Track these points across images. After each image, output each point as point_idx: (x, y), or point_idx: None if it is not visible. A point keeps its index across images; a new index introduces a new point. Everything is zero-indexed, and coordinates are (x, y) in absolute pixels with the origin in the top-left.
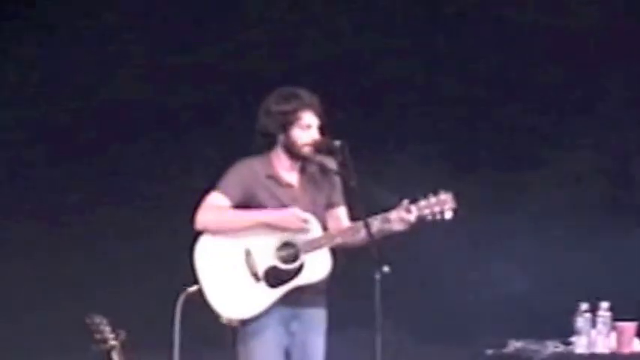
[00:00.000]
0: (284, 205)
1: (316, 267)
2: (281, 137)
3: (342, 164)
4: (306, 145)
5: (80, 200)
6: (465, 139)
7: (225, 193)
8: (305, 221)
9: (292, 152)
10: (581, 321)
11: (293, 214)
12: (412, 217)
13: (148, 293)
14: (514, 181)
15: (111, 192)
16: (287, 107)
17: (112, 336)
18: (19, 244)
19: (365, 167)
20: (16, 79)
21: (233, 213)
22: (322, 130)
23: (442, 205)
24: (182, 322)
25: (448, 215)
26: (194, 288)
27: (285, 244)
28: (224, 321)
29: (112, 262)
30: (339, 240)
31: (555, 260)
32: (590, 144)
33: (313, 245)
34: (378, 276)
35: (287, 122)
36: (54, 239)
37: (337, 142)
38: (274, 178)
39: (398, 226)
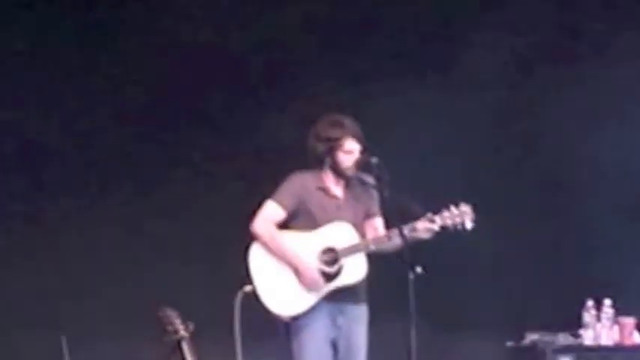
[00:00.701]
0: (330, 214)
1: (353, 270)
2: (328, 159)
3: (377, 178)
4: (348, 168)
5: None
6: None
7: (280, 203)
8: (316, 283)
9: (337, 172)
10: (588, 316)
11: (311, 273)
12: (436, 226)
13: (209, 288)
14: None
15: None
16: (333, 134)
17: (182, 327)
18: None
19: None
20: None
21: (277, 245)
22: (362, 148)
23: (463, 216)
24: (241, 317)
25: (469, 225)
26: (249, 288)
27: (328, 250)
28: (277, 316)
29: (183, 258)
30: (373, 247)
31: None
32: None
33: (351, 251)
34: (411, 276)
35: (332, 147)
36: (134, 241)
37: (374, 160)
38: (323, 190)
39: (424, 235)
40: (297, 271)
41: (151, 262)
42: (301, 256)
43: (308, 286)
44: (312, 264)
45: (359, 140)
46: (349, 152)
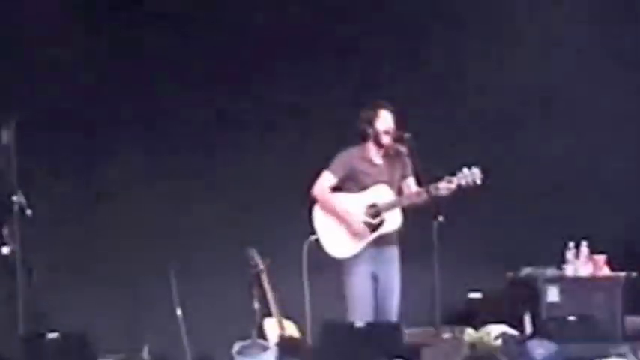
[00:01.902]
0: (373, 178)
1: (392, 221)
2: (370, 130)
3: (410, 149)
4: (386, 132)
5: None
6: None
7: (333, 172)
8: (361, 232)
9: (377, 141)
10: (569, 254)
11: (357, 224)
12: (453, 185)
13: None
14: None
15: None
16: (370, 109)
17: (261, 262)
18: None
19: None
20: None
21: (331, 205)
22: (397, 127)
23: (473, 176)
24: (307, 259)
25: (478, 182)
26: (314, 237)
27: (371, 206)
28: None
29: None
30: (406, 202)
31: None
32: None
33: (389, 206)
34: (435, 224)
35: (371, 119)
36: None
37: (407, 135)
38: (367, 161)
39: (444, 192)
40: (347, 224)
41: (247, 218)
42: (350, 212)
43: (355, 234)
44: (359, 217)
45: (391, 112)
46: (384, 121)
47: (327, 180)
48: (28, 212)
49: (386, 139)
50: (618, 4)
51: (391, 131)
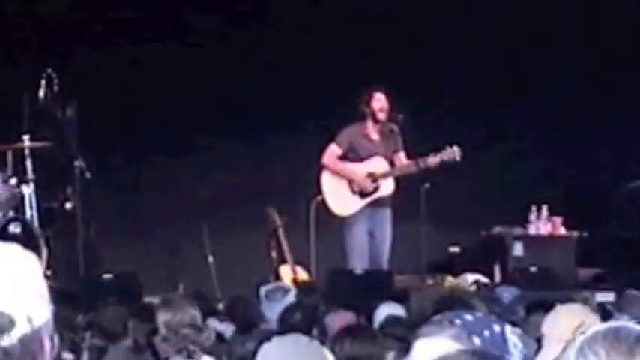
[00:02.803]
0: (370, 151)
1: (385, 187)
2: (367, 110)
3: (401, 128)
4: (380, 109)
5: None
6: None
7: (338, 144)
8: (365, 185)
9: (373, 118)
10: (532, 216)
11: (360, 178)
12: (438, 160)
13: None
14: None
15: None
16: (367, 91)
17: (278, 219)
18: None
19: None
20: None
21: (338, 167)
22: (391, 109)
23: (454, 153)
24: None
25: (458, 158)
26: (320, 197)
27: (370, 174)
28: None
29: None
30: (398, 172)
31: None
32: None
33: (384, 175)
34: (422, 190)
35: (368, 99)
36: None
37: (400, 116)
38: (365, 136)
39: (432, 165)
40: (351, 181)
41: (267, 183)
42: (354, 170)
43: (360, 188)
44: (362, 174)
45: (384, 94)
46: (378, 100)
47: (333, 150)
48: (87, 175)
49: (381, 115)
50: None
51: (385, 109)
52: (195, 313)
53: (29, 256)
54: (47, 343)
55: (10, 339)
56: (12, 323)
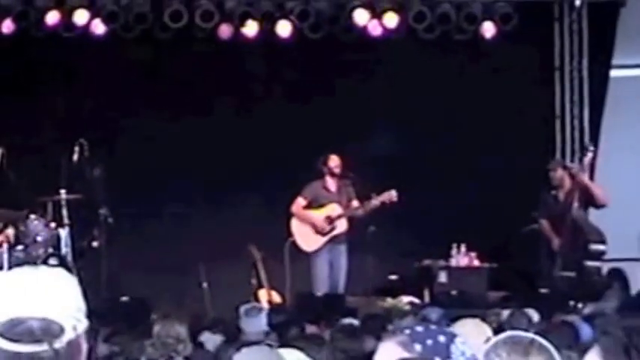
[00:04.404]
0: (329, 200)
1: (341, 226)
2: (325, 168)
3: (352, 181)
4: (336, 167)
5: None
6: None
7: (303, 197)
8: (323, 227)
9: (330, 173)
10: (454, 251)
11: (321, 223)
12: (378, 202)
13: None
14: None
15: None
16: (324, 155)
17: (257, 254)
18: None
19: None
20: None
21: (303, 215)
22: (343, 168)
23: (391, 196)
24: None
25: (394, 199)
26: (291, 239)
27: (327, 217)
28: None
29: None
30: (350, 213)
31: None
32: None
33: (339, 216)
34: (369, 231)
35: (325, 161)
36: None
37: (350, 174)
38: (325, 189)
39: (374, 206)
40: (313, 225)
41: (251, 227)
42: (315, 217)
43: (320, 229)
44: (321, 220)
45: (338, 157)
46: (333, 160)
47: (299, 202)
48: (110, 220)
49: (336, 171)
50: None
51: (339, 167)
52: (180, 330)
53: (73, 278)
54: (84, 347)
55: (60, 343)
56: (62, 331)
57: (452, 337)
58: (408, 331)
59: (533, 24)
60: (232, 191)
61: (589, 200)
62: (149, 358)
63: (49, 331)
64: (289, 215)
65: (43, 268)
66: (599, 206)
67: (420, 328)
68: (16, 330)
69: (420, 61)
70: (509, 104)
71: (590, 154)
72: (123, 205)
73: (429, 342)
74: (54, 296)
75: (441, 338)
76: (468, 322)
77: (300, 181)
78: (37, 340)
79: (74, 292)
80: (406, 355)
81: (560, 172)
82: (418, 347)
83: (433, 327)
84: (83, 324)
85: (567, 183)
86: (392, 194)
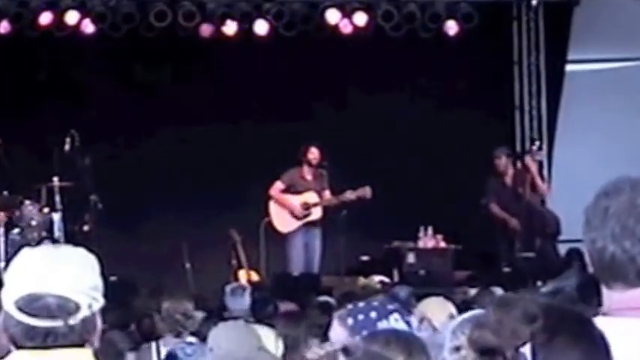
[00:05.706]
0: (305, 187)
1: (316, 213)
2: (303, 158)
3: (327, 172)
4: (314, 159)
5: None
6: None
7: (282, 181)
8: (300, 211)
9: (308, 164)
10: (421, 233)
11: (297, 207)
12: (353, 196)
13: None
14: None
15: None
16: (304, 146)
17: (237, 236)
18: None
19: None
20: None
21: (281, 199)
22: (321, 159)
23: (365, 190)
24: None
25: (369, 196)
26: (267, 219)
27: (304, 203)
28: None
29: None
30: (324, 204)
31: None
32: None
33: (315, 204)
34: (342, 215)
35: (304, 151)
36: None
37: (325, 163)
38: (301, 176)
39: (347, 200)
40: (290, 209)
41: (231, 210)
42: (292, 201)
43: (296, 214)
44: (298, 206)
45: (316, 147)
46: (312, 152)
47: (278, 185)
48: (100, 206)
49: (314, 162)
50: None
51: (317, 158)
52: (188, 306)
53: (91, 257)
54: (99, 325)
55: (74, 320)
56: (77, 308)
57: (387, 313)
58: (350, 306)
59: (493, 22)
60: (213, 180)
61: (533, 188)
62: (159, 333)
63: (65, 307)
64: (267, 197)
65: (64, 247)
66: (541, 195)
67: (361, 304)
68: (33, 305)
69: (388, 57)
70: (472, 97)
71: (542, 152)
72: (111, 192)
73: (360, 317)
74: (72, 274)
75: (373, 314)
76: (432, 301)
77: (277, 170)
78: (53, 316)
79: (92, 271)
80: (344, 331)
81: (504, 160)
82: (350, 321)
83: (387, 305)
84: (99, 302)
85: (510, 170)
86: (366, 190)
